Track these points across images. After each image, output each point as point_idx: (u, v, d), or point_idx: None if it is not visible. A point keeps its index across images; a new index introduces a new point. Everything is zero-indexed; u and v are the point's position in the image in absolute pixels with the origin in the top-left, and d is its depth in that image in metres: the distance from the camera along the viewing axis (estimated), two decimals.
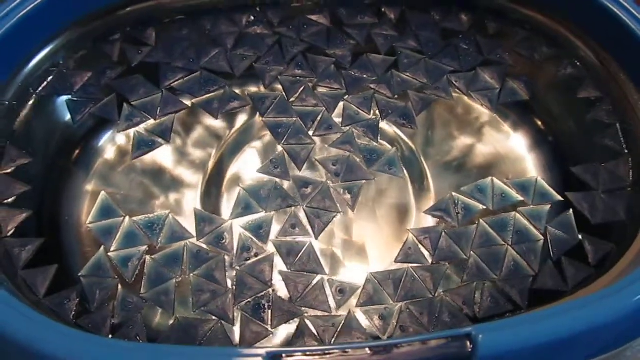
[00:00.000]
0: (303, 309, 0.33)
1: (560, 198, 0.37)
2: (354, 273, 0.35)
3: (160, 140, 0.40)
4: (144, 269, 0.34)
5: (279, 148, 0.40)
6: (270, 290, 0.33)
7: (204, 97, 0.41)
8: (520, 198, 0.37)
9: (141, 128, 0.40)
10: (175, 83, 0.41)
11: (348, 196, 0.38)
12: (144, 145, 0.39)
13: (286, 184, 0.38)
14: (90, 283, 0.33)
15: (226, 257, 0.35)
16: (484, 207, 0.37)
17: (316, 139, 0.40)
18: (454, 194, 0.38)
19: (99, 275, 0.33)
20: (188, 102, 0.41)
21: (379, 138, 0.40)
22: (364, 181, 0.38)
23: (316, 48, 0.44)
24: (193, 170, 0.40)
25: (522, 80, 0.43)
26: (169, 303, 0.33)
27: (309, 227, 0.36)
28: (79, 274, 0.33)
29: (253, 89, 0.43)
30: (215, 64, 0.43)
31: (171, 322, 0.32)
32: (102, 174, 0.39)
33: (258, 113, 0.41)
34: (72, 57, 0.41)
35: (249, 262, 0.34)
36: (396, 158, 0.40)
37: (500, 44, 0.44)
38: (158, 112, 0.40)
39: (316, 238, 0.36)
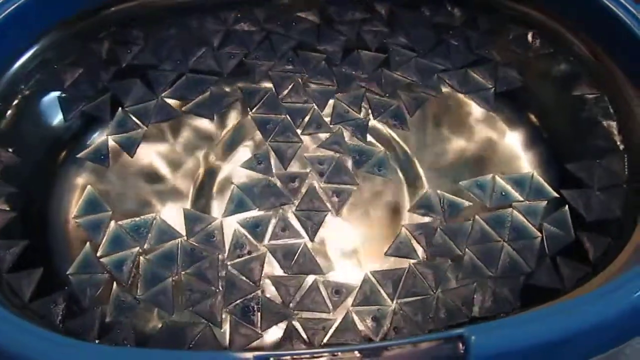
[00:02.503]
0: (296, 312, 0.32)
1: (555, 194, 0.37)
2: (349, 273, 0.34)
3: (124, 152, 0.39)
4: (139, 270, 0.33)
5: (265, 144, 0.39)
6: (259, 292, 0.33)
7: (193, 101, 0.41)
8: (520, 198, 0.37)
9: (112, 137, 0.39)
10: (165, 92, 0.41)
11: (335, 199, 0.37)
12: (100, 154, 0.38)
13: (279, 183, 0.37)
14: (80, 281, 0.33)
15: (218, 255, 0.34)
16: (470, 204, 0.37)
17: (306, 137, 0.40)
18: (438, 191, 0.37)
19: (88, 272, 0.33)
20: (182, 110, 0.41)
21: (367, 138, 0.40)
22: (350, 186, 0.38)
23: (306, 44, 0.43)
24: (184, 170, 0.39)
25: (514, 67, 0.42)
26: (167, 303, 0.32)
27: (301, 230, 0.36)
28: (67, 272, 0.33)
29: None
30: (202, 63, 0.42)
31: (160, 325, 0.32)
32: (91, 175, 0.38)
33: (249, 110, 0.41)
34: (60, 56, 0.40)
35: (241, 259, 0.34)
36: (385, 159, 0.39)
37: (491, 41, 0.44)
38: (151, 119, 0.40)
39: (312, 240, 0.35)
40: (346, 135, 0.40)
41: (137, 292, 0.32)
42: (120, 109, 0.40)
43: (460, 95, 0.42)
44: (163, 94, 0.41)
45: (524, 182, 0.37)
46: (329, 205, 0.37)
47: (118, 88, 0.41)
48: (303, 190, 0.37)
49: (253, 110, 0.40)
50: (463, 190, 0.37)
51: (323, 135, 0.40)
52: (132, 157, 0.39)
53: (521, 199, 0.37)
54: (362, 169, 0.38)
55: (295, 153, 0.39)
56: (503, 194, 0.37)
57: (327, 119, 0.41)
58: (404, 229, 0.36)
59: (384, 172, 0.39)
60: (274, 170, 0.38)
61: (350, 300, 0.33)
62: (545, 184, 0.37)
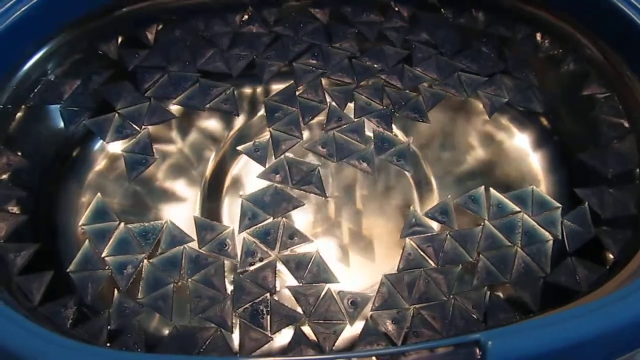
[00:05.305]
0: (315, 320, 0.32)
1: (557, 204, 0.36)
2: (364, 279, 0.34)
3: (147, 157, 0.38)
4: (142, 273, 0.33)
5: (267, 133, 0.39)
6: (269, 294, 0.33)
7: (182, 94, 0.40)
8: (517, 209, 0.36)
9: (126, 148, 0.38)
10: (149, 91, 0.40)
11: (365, 164, 0.37)
12: (137, 163, 0.38)
13: (288, 187, 0.37)
14: (81, 278, 0.32)
15: (231, 262, 0.34)
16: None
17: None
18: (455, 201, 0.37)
19: (88, 269, 0.33)
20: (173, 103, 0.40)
21: (392, 128, 0.39)
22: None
23: (317, 45, 0.43)
24: (191, 176, 0.39)
25: (542, 92, 0.41)
26: (167, 309, 0.32)
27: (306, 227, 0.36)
28: (68, 270, 0.32)
29: (248, 90, 0.42)
30: (211, 65, 0.41)
31: (170, 330, 0.31)
32: (98, 180, 0.38)
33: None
34: (63, 62, 0.40)
35: (253, 267, 0.33)
36: (407, 152, 0.38)
37: (504, 45, 0.43)
38: (144, 122, 0.39)
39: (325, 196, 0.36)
40: (369, 127, 0.39)
41: (139, 296, 0.32)
42: (116, 114, 0.39)
43: (472, 98, 0.41)
44: (147, 93, 0.40)
45: (526, 198, 0.36)
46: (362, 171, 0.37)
47: (109, 92, 0.40)
48: (291, 175, 0.37)
49: (269, 97, 0.40)
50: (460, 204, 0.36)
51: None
52: (153, 156, 0.38)
53: (518, 209, 0.36)
54: (381, 156, 0.38)
55: (290, 147, 0.38)
56: (500, 206, 0.36)
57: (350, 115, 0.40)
58: (408, 241, 0.35)
59: (402, 164, 0.38)
60: (267, 161, 0.38)
61: (368, 307, 0.32)
62: (547, 196, 0.36)
